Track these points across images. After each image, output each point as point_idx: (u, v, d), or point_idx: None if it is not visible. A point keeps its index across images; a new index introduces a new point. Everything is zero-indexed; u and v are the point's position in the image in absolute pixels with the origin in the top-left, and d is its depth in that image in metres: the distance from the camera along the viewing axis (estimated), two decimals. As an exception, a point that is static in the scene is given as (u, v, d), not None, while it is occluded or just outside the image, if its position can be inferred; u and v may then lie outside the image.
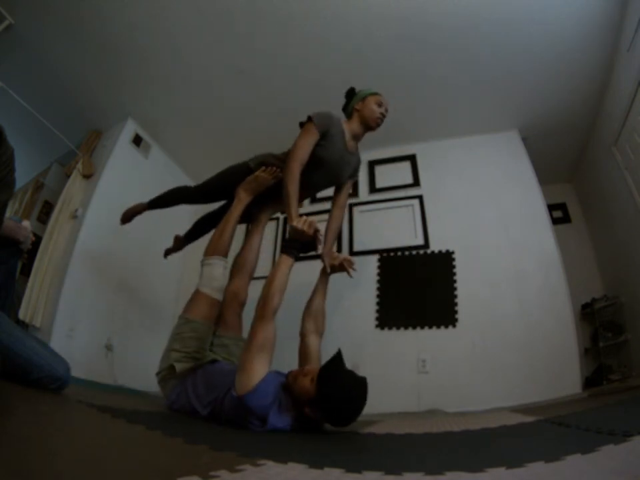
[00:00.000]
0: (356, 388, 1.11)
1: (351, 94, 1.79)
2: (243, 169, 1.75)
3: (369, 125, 1.72)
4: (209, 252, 1.63)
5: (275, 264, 1.32)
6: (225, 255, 1.64)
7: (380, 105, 1.71)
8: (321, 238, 1.36)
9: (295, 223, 1.34)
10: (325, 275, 1.68)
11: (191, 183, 3.43)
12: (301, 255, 1.37)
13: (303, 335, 1.56)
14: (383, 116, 1.72)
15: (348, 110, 1.78)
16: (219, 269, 1.59)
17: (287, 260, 1.30)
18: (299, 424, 1.14)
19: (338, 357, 1.14)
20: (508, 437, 1.08)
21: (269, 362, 1.17)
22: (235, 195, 1.72)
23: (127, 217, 2.12)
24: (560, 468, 0.57)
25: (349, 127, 1.73)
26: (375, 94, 1.73)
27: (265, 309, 1.20)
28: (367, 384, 1.13)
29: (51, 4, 2.13)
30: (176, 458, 0.66)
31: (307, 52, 2.40)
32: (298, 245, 1.34)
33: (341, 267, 1.68)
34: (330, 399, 1.08)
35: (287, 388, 1.19)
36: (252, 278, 1.78)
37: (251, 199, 1.73)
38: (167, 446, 0.75)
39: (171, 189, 2.08)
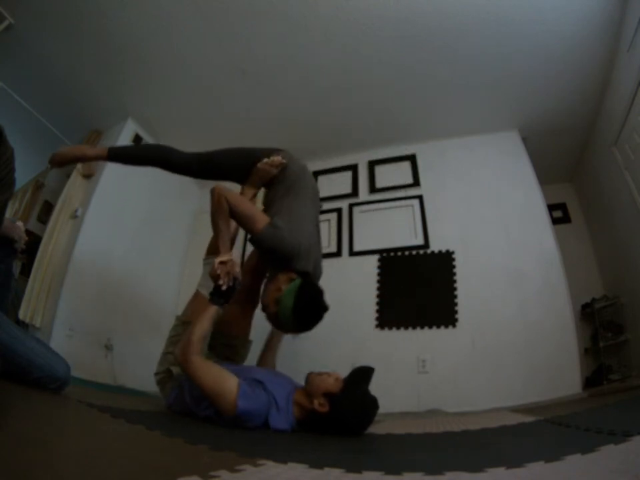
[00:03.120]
0: (373, 404, 1.19)
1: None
2: (251, 155, 1.64)
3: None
4: (209, 251, 1.60)
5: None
6: None
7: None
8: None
9: (220, 259, 1.28)
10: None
11: (191, 182, 3.43)
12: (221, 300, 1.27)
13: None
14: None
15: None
16: None
17: (210, 307, 1.26)
18: (300, 427, 1.15)
19: (370, 371, 1.22)
20: (508, 437, 1.08)
21: (230, 376, 1.13)
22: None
23: (64, 159, 1.64)
24: (560, 468, 0.57)
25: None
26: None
27: (189, 354, 1.16)
28: (378, 408, 1.20)
29: (51, 4, 2.12)
30: (176, 458, 0.66)
31: (307, 53, 2.40)
32: (217, 292, 1.27)
33: None
34: (351, 397, 1.13)
35: (299, 388, 1.22)
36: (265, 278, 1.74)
37: (256, 192, 1.68)
38: (167, 446, 0.75)
39: (153, 144, 1.73)
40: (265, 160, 1.59)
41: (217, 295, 1.27)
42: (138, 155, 1.72)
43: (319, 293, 1.36)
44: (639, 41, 1.97)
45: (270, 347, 1.66)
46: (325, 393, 1.13)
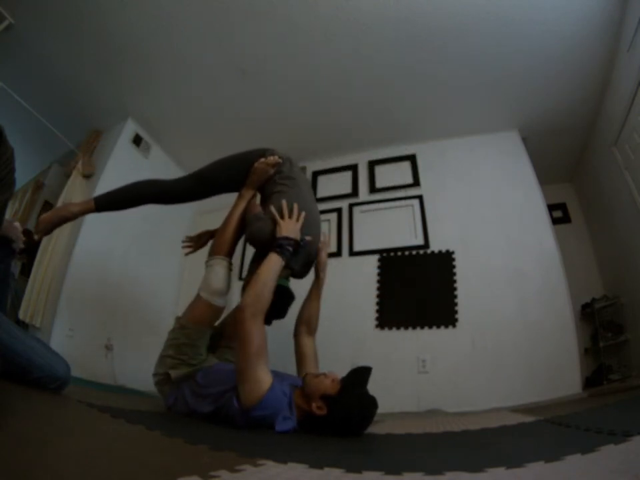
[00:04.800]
0: (372, 405, 1.17)
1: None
2: (246, 158, 1.65)
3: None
4: (211, 252, 1.57)
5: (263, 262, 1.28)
6: (227, 255, 1.54)
7: None
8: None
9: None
10: (319, 278, 1.69)
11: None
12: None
13: (296, 337, 1.60)
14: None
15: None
16: (219, 270, 1.49)
17: (277, 260, 1.29)
18: (300, 427, 1.14)
19: (368, 371, 1.19)
20: (508, 437, 1.08)
21: (268, 365, 1.13)
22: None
23: (51, 224, 1.54)
24: (560, 468, 0.57)
25: None
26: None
27: (255, 308, 1.16)
28: (377, 407, 1.18)
29: (51, 4, 2.12)
30: (176, 458, 0.66)
31: (307, 53, 2.40)
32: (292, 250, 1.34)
33: None
34: (349, 399, 1.11)
35: (297, 388, 1.21)
36: None
37: (254, 193, 1.67)
38: (167, 446, 0.75)
39: (138, 181, 1.59)
40: (262, 159, 1.61)
41: (288, 249, 1.31)
42: (127, 196, 1.60)
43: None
44: (639, 41, 1.97)
45: (316, 291, 1.67)
46: (322, 396, 1.12)
